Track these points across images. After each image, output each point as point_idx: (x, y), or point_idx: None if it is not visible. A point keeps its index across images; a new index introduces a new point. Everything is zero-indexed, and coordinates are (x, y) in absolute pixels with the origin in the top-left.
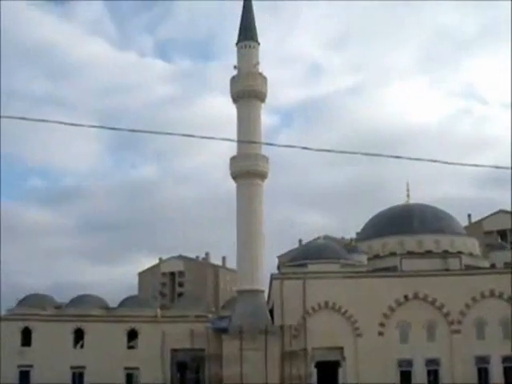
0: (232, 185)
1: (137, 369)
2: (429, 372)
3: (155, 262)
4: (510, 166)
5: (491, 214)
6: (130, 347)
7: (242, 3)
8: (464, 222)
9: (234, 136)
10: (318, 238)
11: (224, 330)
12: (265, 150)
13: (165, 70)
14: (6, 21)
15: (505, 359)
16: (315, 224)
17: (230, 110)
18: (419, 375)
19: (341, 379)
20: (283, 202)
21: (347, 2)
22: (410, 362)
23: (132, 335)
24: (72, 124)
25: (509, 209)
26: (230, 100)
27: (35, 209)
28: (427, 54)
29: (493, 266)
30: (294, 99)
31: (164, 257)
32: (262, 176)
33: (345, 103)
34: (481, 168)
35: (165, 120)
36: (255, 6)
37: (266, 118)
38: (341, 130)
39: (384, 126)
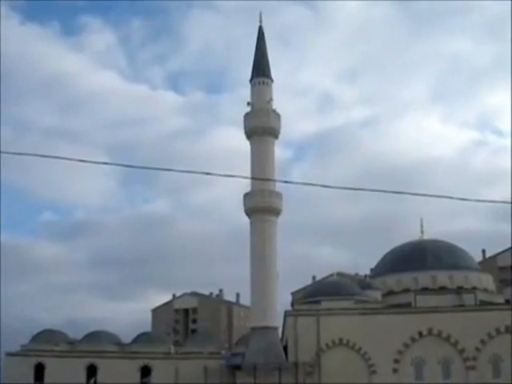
0: (246, 220)
1: None
2: None
3: (168, 298)
4: None
5: (505, 250)
6: None
7: (254, 36)
8: (478, 258)
9: (248, 171)
10: (332, 274)
11: (238, 367)
12: (278, 185)
13: (177, 101)
14: (17, 51)
15: None
16: (329, 260)
17: (243, 143)
18: None
19: None
20: (297, 238)
21: (359, 33)
22: None
23: (145, 372)
24: (84, 161)
25: None
26: (243, 134)
27: (48, 243)
28: (440, 84)
29: (508, 301)
30: (306, 132)
31: (177, 293)
32: (276, 212)
33: (357, 136)
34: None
35: (178, 153)
36: (268, 36)
37: (279, 152)
38: (354, 164)
39: (397, 159)
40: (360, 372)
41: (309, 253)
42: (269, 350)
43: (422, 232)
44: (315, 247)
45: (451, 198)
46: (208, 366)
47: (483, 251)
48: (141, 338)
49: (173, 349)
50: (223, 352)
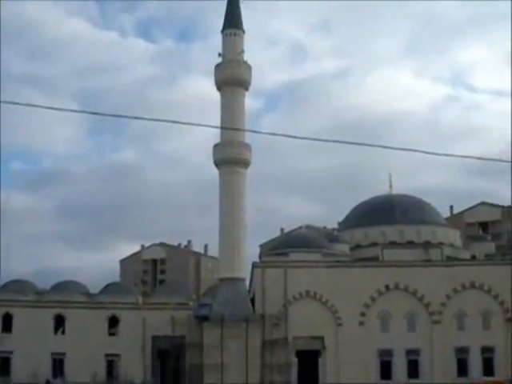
0: (215, 171)
1: (117, 356)
2: (409, 362)
3: (137, 248)
4: (497, 156)
5: (473, 206)
6: (110, 334)
7: None
8: (446, 214)
9: (218, 121)
10: (300, 227)
11: (205, 318)
12: (248, 137)
13: (147, 49)
14: None
15: (484, 350)
16: (298, 213)
17: (215, 93)
18: (399, 365)
19: (321, 368)
20: (266, 190)
21: None
22: (390, 352)
23: (113, 322)
24: (52, 108)
25: (491, 201)
26: (214, 83)
27: (16, 193)
28: (414, 38)
29: (474, 257)
30: (277, 83)
31: (146, 244)
32: (245, 164)
33: (329, 88)
34: (466, 158)
35: (148, 102)
36: None
37: (250, 102)
38: (324, 116)
39: (368, 112)
40: (327, 324)
41: (278, 205)
42: (236, 302)
43: (390, 186)
44: (284, 199)
45: (419, 151)
46: (175, 317)
47: (451, 207)
48: (109, 288)
49: (141, 299)
50: (191, 303)
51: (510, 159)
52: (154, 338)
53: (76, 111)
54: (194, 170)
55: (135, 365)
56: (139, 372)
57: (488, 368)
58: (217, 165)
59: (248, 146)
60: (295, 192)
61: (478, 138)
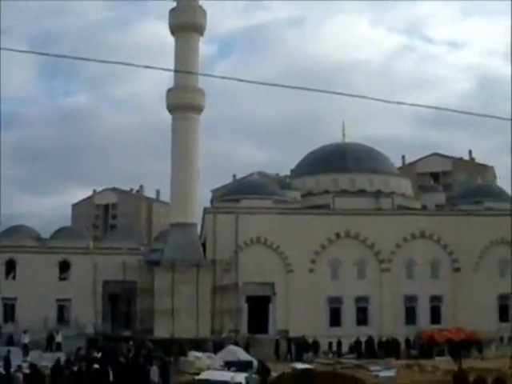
0: (168, 115)
1: (68, 300)
2: (358, 309)
3: (89, 193)
4: (450, 107)
5: (425, 157)
6: (61, 279)
7: None
8: (398, 163)
9: (172, 65)
10: (252, 173)
11: (156, 263)
12: (201, 83)
13: None
14: None
15: (432, 299)
16: (250, 159)
17: (169, 38)
18: (348, 312)
19: (271, 314)
20: (220, 135)
21: None
22: (339, 299)
23: (64, 267)
24: (4, 48)
25: (443, 152)
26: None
27: None
28: None
29: (424, 207)
30: (232, 28)
31: (98, 188)
32: (198, 109)
33: (284, 35)
34: (420, 108)
35: (102, 45)
36: None
37: (204, 48)
38: (279, 63)
39: (323, 60)
40: (277, 271)
41: (231, 151)
42: (187, 247)
43: (343, 135)
44: (237, 145)
45: (373, 99)
46: (127, 262)
47: (403, 157)
48: (60, 232)
49: (92, 244)
50: (142, 248)
51: (463, 110)
52: (105, 283)
53: (26, 52)
54: (147, 114)
55: (86, 309)
56: (90, 317)
57: (435, 317)
58: (170, 110)
59: (201, 92)
60: (249, 138)
61: (432, 88)
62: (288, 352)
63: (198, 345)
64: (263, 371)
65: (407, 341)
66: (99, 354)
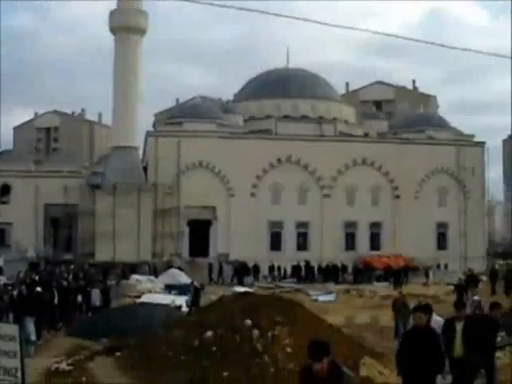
0: (111, 37)
1: (9, 224)
2: (298, 234)
3: (30, 116)
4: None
5: (369, 85)
6: (2, 202)
7: None
8: (342, 91)
9: None
10: (195, 97)
11: (97, 186)
12: (146, 5)
13: None
14: None
15: (372, 225)
16: (194, 83)
17: None
18: (289, 237)
19: (212, 238)
20: (164, 59)
21: None
22: (280, 224)
23: (5, 190)
24: None
25: (387, 80)
26: None
27: None
28: None
29: (366, 134)
30: None
31: (39, 111)
32: (141, 32)
33: None
34: (365, 37)
35: None
36: None
37: None
38: None
39: None
40: (218, 195)
41: (175, 74)
42: (129, 170)
43: (287, 60)
44: (182, 69)
45: (318, 22)
46: (68, 185)
47: (347, 84)
48: (1, 156)
49: (33, 167)
50: (84, 171)
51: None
52: (47, 206)
53: None
54: (91, 35)
55: (28, 233)
56: (31, 240)
57: (375, 243)
58: (113, 32)
59: (144, 14)
60: (193, 63)
61: (377, 20)
62: (228, 276)
63: (134, 268)
64: (195, 294)
65: (346, 266)
66: (37, 277)
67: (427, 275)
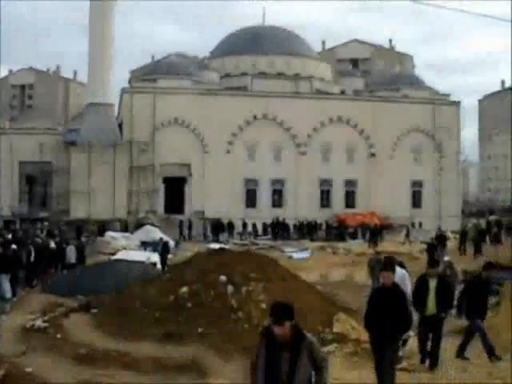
0: None
1: None
2: (274, 192)
3: (5, 73)
4: None
5: (345, 43)
6: None
7: None
8: (318, 48)
9: None
10: (170, 54)
11: (72, 144)
12: None
13: None
14: None
15: (347, 183)
16: (170, 40)
17: None
18: (264, 194)
19: (187, 195)
20: (139, 16)
21: None
22: (255, 181)
23: None
24: None
25: (364, 39)
26: None
27: None
28: None
29: (343, 92)
30: None
31: (14, 68)
32: None
33: None
34: None
35: None
36: None
37: None
38: None
39: None
40: (194, 152)
41: (151, 31)
42: (104, 127)
43: (263, 18)
44: (158, 27)
45: None
46: (43, 142)
47: (323, 42)
48: None
49: (8, 124)
50: (59, 128)
51: None
52: (22, 164)
53: None
54: None
55: (2, 191)
56: (7, 198)
57: (350, 201)
58: None
59: None
60: (170, 20)
61: None
62: (199, 233)
63: (106, 225)
64: (163, 249)
65: (321, 224)
66: (11, 235)
67: (408, 234)
